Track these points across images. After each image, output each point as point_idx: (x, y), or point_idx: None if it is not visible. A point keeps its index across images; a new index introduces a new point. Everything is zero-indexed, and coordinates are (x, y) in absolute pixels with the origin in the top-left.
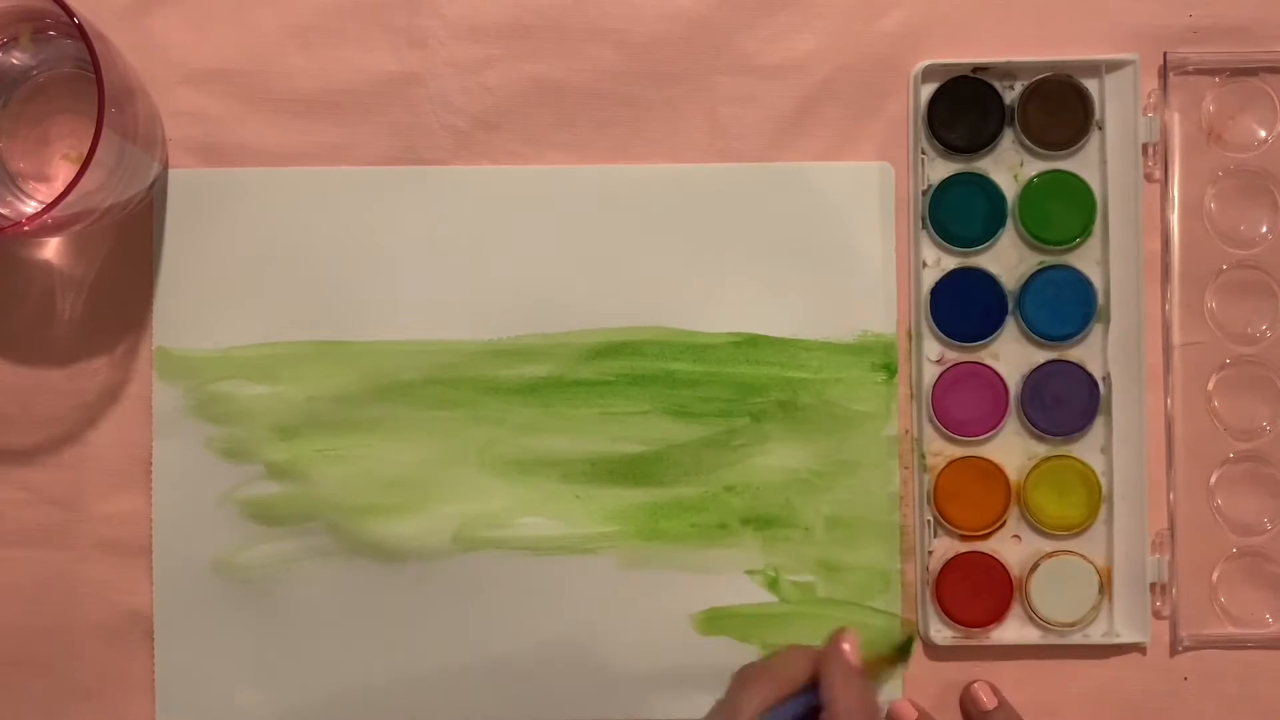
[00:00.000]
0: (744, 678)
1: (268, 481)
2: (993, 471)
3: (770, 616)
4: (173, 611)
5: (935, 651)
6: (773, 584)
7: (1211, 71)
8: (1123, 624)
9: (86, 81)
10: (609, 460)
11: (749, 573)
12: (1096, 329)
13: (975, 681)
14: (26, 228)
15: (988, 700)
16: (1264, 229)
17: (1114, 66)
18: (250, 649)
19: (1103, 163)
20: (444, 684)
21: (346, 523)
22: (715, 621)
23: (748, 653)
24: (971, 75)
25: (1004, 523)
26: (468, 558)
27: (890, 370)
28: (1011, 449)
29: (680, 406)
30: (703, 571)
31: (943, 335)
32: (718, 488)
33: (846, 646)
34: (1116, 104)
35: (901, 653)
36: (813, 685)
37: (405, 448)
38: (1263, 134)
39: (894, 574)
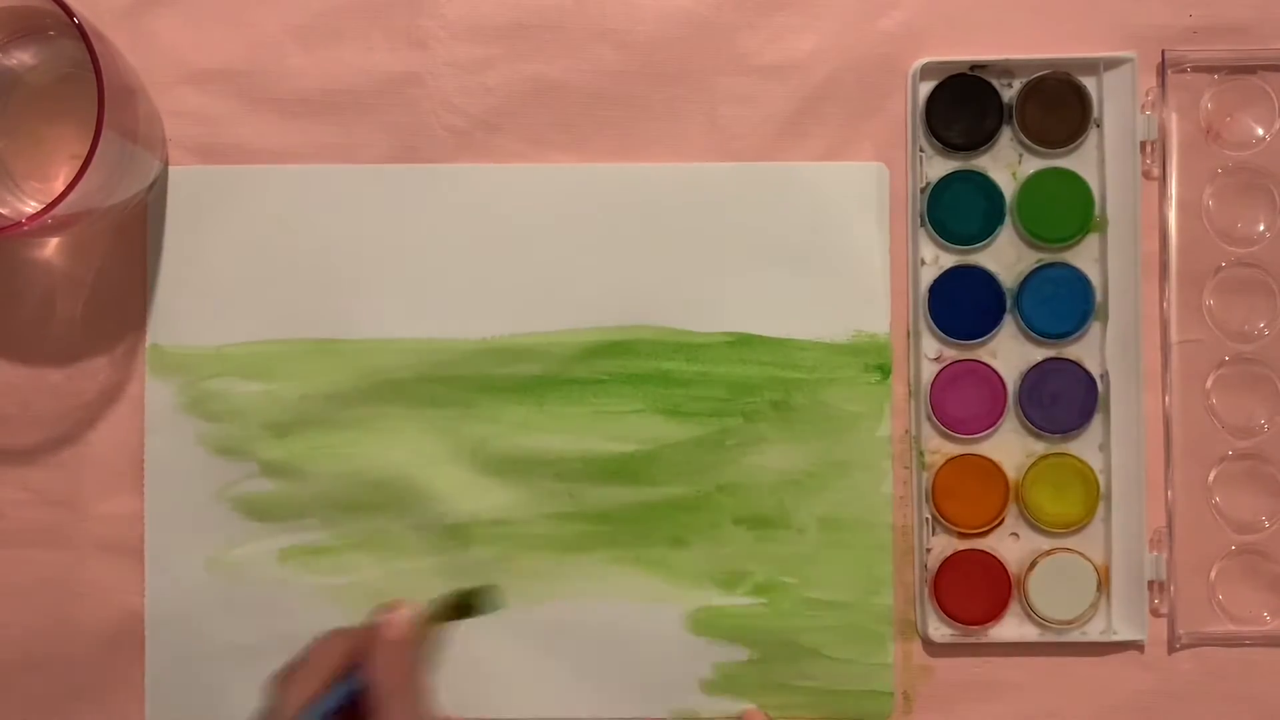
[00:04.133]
0: (280, 679)
1: (261, 479)
2: (991, 469)
3: (761, 617)
4: (164, 608)
5: (934, 649)
6: (764, 584)
7: (1210, 70)
8: (1121, 621)
9: (86, 82)
10: (602, 459)
11: (741, 573)
12: (1095, 327)
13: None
14: (26, 228)
15: None
16: (1262, 227)
17: (1112, 64)
18: (242, 646)
19: (1101, 161)
20: (434, 683)
21: (340, 520)
22: (706, 621)
23: (738, 652)
24: (970, 73)
25: (1002, 520)
26: (462, 555)
27: (884, 371)
28: (1010, 447)
29: (673, 406)
30: (695, 571)
31: (941, 333)
32: (710, 487)
33: (390, 619)
34: (1115, 102)
35: (462, 609)
36: (354, 669)
37: (399, 446)
38: (1261, 132)
39: (887, 575)
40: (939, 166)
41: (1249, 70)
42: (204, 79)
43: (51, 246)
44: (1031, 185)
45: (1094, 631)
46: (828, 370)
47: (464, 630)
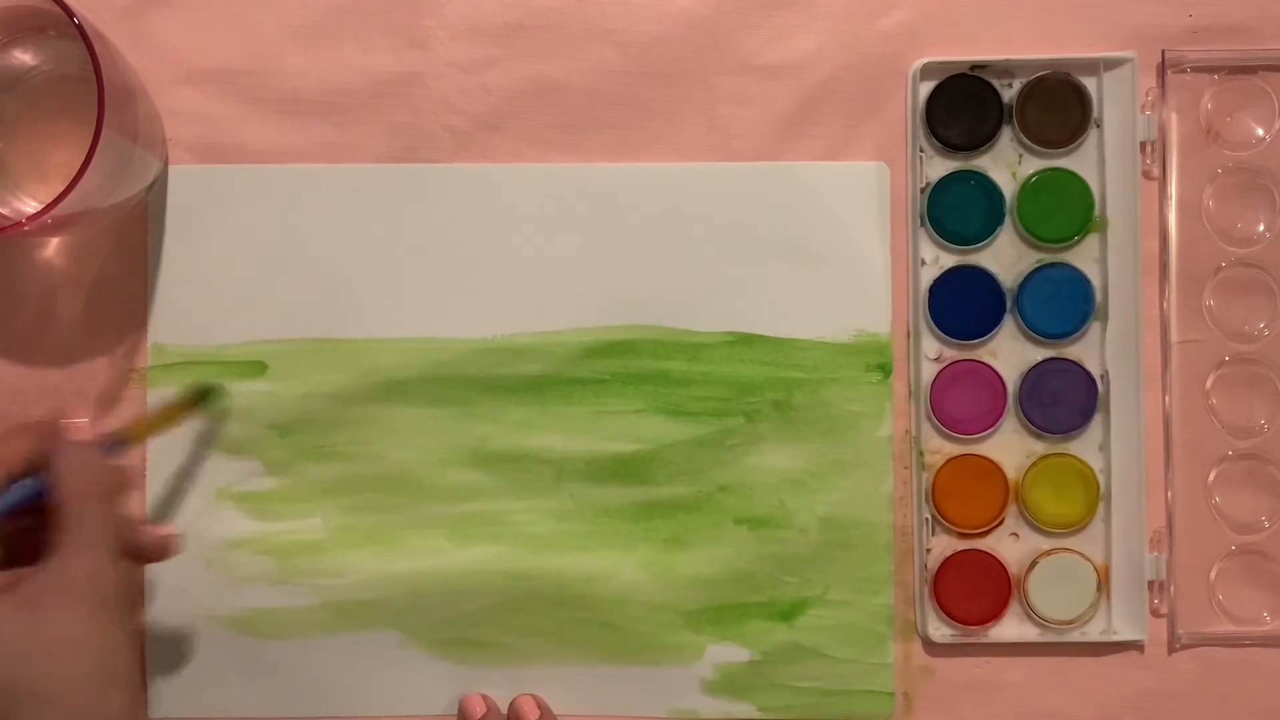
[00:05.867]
0: None
1: (263, 477)
2: (991, 469)
3: (762, 617)
4: (165, 608)
5: (934, 649)
6: (765, 584)
7: (1210, 70)
8: (1121, 622)
9: (86, 82)
10: (603, 459)
11: (742, 573)
12: (1095, 327)
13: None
14: (26, 228)
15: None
16: (1262, 227)
17: (1112, 64)
18: (243, 646)
19: (1101, 161)
20: (435, 681)
21: (341, 520)
22: (707, 621)
23: (738, 652)
24: (970, 73)
25: (1002, 521)
26: (462, 554)
27: (885, 370)
28: (1010, 447)
29: (674, 406)
30: (695, 570)
31: (941, 333)
32: (711, 487)
33: (74, 423)
34: (1115, 102)
35: (188, 405)
36: (37, 469)
37: (400, 445)
38: (1261, 132)
39: (888, 575)
40: (939, 166)
41: (1249, 70)
42: (204, 79)
43: (51, 246)
44: (1031, 185)
45: (1094, 632)
46: (829, 370)
47: (461, 628)
